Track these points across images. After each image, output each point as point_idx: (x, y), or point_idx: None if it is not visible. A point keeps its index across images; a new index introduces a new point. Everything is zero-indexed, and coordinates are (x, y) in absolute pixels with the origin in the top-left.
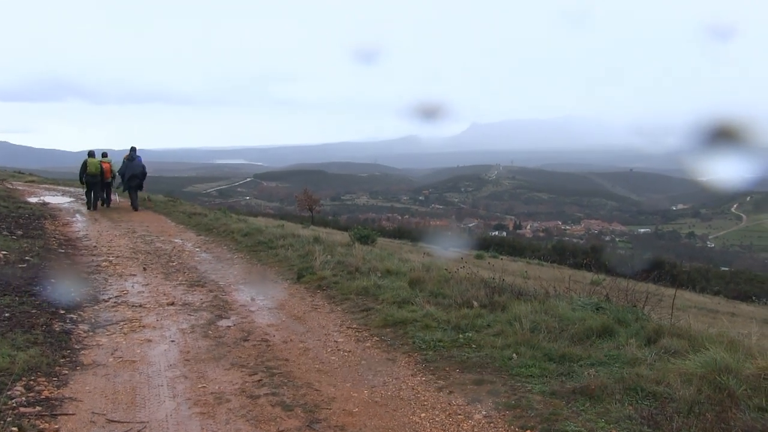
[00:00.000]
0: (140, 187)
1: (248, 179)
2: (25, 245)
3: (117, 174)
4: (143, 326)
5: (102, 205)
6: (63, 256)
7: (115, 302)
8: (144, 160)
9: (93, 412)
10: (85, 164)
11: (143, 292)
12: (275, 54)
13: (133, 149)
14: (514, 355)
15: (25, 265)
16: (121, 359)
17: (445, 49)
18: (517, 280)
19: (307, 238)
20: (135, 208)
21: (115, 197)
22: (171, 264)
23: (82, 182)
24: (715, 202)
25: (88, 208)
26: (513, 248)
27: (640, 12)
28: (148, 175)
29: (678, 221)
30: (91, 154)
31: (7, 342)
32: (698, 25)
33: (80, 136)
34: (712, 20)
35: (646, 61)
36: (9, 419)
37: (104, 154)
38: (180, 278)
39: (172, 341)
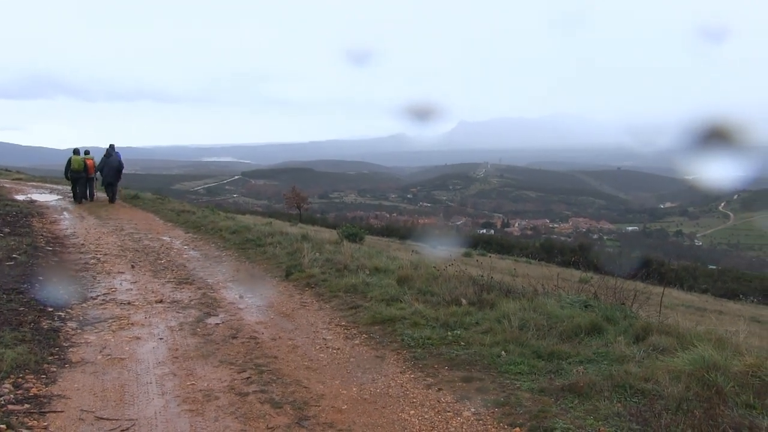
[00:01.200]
0: (118, 179)
1: (236, 177)
2: (13, 243)
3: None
4: (132, 324)
5: (86, 199)
6: (51, 253)
7: (103, 300)
8: (133, 158)
9: (82, 410)
10: (69, 161)
11: (131, 289)
12: (265, 53)
13: (111, 146)
14: (503, 352)
15: (12, 263)
16: (109, 357)
17: (434, 48)
18: (506, 277)
19: (296, 236)
20: (111, 200)
21: (97, 193)
22: (159, 261)
23: (67, 177)
24: (703, 201)
25: (75, 202)
26: (501, 246)
27: (632, 12)
28: (137, 173)
29: (666, 219)
30: (76, 151)
31: None
32: (690, 26)
33: (69, 134)
34: (703, 21)
35: (637, 60)
36: None
37: (87, 152)
38: (168, 276)
39: (161, 339)
